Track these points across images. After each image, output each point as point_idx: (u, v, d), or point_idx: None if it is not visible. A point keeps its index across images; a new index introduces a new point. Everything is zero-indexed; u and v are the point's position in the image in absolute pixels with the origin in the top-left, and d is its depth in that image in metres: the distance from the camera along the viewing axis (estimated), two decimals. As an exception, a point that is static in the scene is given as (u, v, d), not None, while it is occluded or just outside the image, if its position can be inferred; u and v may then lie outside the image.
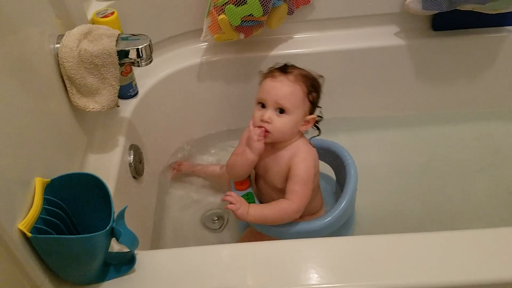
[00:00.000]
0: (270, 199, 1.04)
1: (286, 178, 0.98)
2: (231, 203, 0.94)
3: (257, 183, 1.08)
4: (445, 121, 1.43)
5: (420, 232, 0.76)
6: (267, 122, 0.94)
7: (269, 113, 0.95)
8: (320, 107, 1.02)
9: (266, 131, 0.95)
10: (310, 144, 1.02)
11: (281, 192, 1.00)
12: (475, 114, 1.44)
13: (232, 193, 0.96)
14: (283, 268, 0.71)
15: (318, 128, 1.04)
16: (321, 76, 1.01)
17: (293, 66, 1.00)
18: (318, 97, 1.00)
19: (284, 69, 0.98)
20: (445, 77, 1.37)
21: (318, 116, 1.02)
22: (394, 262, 0.71)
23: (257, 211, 0.95)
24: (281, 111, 0.95)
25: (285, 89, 0.94)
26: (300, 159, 0.96)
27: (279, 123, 0.95)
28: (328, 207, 1.10)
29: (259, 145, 0.95)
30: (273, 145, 0.99)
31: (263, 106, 0.96)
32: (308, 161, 0.97)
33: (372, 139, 1.40)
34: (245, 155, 0.97)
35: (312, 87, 0.98)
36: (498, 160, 1.35)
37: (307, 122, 0.99)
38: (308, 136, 1.04)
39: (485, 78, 1.37)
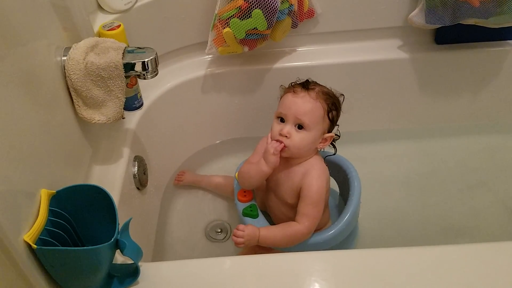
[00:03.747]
0: (279, 212, 1.05)
1: (297, 194, 0.98)
2: (239, 237, 0.94)
3: (267, 196, 1.08)
4: (448, 134, 1.43)
5: (423, 246, 0.76)
6: (285, 136, 0.95)
7: (288, 128, 0.95)
8: (337, 125, 1.02)
9: (284, 145, 0.95)
10: (324, 162, 1.02)
11: (291, 207, 1.00)
12: (478, 127, 1.44)
13: (239, 230, 0.95)
14: (287, 281, 0.71)
15: (334, 147, 1.05)
16: (342, 95, 1.02)
17: (315, 83, 1.00)
18: (337, 115, 1.00)
19: (306, 85, 0.98)
20: (447, 90, 1.37)
21: (336, 134, 1.02)
22: (398, 276, 0.71)
23: (268, 239, 0.95)
24: (300, 127, 0.95)
25: (306, 106, 0.94)
26: (312, 178, 0.96)
27: (297, 139, 0.95)
28: (332, 219, 1.10)
29: (274, 159, 0.95)
30: (287, 160, 0.99)
31: (282, 120, 0.97)
32: (320, 181, 0.96)
33: (375, 151, 1.41)
34: (259, 167, 0.98)
35: (333, 105, 0.98)
36: (501, 173, 1.34)
37: (325, 139, 0.99)
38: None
39: (487, 92, 1.38)
